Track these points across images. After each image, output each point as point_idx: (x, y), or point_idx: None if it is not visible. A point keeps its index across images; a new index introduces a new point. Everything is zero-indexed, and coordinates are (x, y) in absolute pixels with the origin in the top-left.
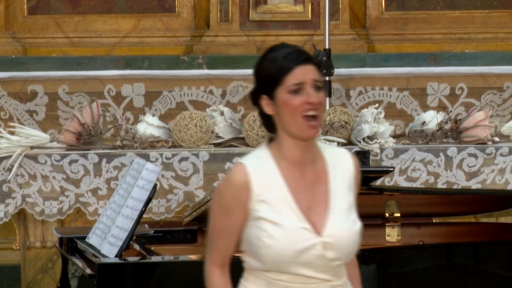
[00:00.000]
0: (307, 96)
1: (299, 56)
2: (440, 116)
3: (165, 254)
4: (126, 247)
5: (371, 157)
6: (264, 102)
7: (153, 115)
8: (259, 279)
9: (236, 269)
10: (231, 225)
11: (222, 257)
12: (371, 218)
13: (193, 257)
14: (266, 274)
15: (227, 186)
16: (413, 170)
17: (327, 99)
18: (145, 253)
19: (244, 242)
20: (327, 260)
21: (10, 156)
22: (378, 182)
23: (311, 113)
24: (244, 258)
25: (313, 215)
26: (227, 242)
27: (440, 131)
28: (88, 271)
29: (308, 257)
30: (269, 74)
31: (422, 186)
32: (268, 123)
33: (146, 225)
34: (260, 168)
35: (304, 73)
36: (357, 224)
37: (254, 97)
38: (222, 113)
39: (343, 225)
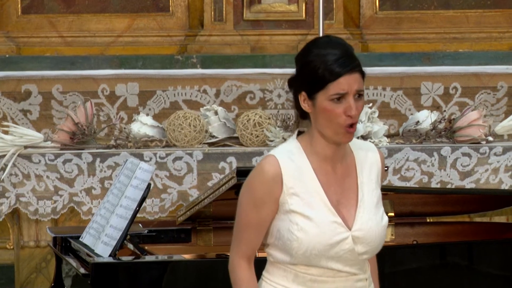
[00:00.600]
0: (348, 108)
1: (348, 64)
2: (434, 116)
3: (159, 254)
4: (120, 246)
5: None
6: (302, 98)
7: (147, 115)
8: (285, 273)
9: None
10: (262, 218)
11: (251, 250)
12: None
13: (187, 256)
14: (293, 267)
15: (259, 178)
16: (407, 169)
17: None
18: (139, 253)
19: (271, 235)
20: (356, 254)
21: (4, 155)
22: None
23: (348, 122)
24: (270, 252)
25: (343, 209)
26: (256, 235)
27: (434, 131)
28: (82, 270)
29: (339, 251)
30: (315, 75)
31: (416, 186)
32: (303, 112)
33: (140, 225)
34: (291, 161)
35: (349, 84)
36: (385, 219)
37: (292, 85)
38: (216, 113)
39: (372, 220)
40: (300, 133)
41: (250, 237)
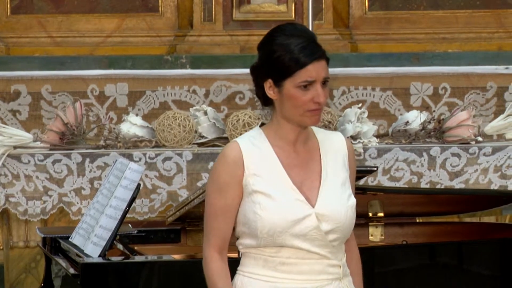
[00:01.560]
0: (315, 95)
1: (315, 52)
2: (424, 116)
3: (149, 254)
4: (109, 246)
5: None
6: (268, 85)
7: (137, 115)
8: (255, 260)
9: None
10: (229, 204)
11: (221, 240)
12: None
13: (176, 256)
14: (262, 251)
15: (221, 163)
16: (397, 169)
17: None
18: (128, 253)
19: (238, 224)
20: (322, 233)
21: None
22: (361, 182)
23: (315, 107)
24: (240, 241)
25: (306, 189)
26: (225, 223)
27: (423, 131)
28: (72, 270)
29: (303, 228)
30: (281, 63)
31: (406, 186)
32: (266, 99)
33: (130, 225)
34: (253, 146)
35: (317, 71)
36: (352, 200)
37: (256, 73)
38: (205, 113)
39: (336, 198)
40: (263, 125)
41: (219, 226)
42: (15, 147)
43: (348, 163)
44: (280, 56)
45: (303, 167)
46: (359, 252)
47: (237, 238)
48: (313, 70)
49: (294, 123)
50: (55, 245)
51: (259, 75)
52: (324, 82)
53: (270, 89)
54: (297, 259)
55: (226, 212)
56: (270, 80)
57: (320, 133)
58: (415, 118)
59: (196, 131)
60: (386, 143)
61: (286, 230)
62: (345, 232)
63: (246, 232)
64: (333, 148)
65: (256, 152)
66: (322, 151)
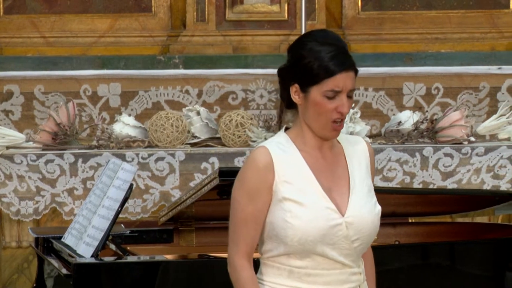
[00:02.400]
0: (340, 105)
1: (345, 62)
2: (416, 116)
3: (141, 254)
4: (102, 247)
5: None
6: (294, 90)
7: (129, 115)
8: (279, 270)
9: None
10: (259, 210)
11: (250, 247)
12: None
13: (169, 257)
14: (288, 262)
15: (251, 168)
16: (389, 170)
17: None
18: (121, 253)
19: (265, 229)
20: (350, 241)
21: None
22: None
23: (338, 119)
24: (263, 248)
25: (336, 196)
26: (255, 229)
27: (416, 131)
28: (64, 271)
29: (333, 238)
30: (310, 69)
31: (398, 186)
32: (290, 103)
33: (122, 225)
34: (282, 151)
35: (345, 82)
36: (378, 207)
37: (284, 75)
38: (198, 113)
39: (365, 207)
40: (287, 129)
41: (249, 233)
42: (7, 147)
43: (370, 168)
44: (310, 63)
45: (331, 172)
46: (373, 255)
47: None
48: (341, 81)
49: (315, 133)
50: (47, 245)
51: (286, 77)
52: (350, 94)
53: (295, 94)
54: (323, 270)
55: (256, 219)
56: (296, 85)
57: (343, 138)
58: (407, 118)
59: (189, 131)
60: (379, 143)
61: (318, 239)
62: (370, 240)
63: (272, 239)
64: (357, 154)
65: (285, 157)
66: (348, 157)
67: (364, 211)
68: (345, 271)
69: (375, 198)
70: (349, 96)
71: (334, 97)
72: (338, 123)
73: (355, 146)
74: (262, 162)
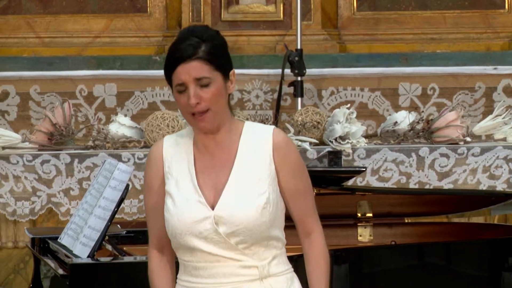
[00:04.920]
0: (188, 97)
1: (182, 53)
2: (412, 116)
3: (137, 255)
4: (98, 247)
5: (343, 157)
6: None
7: (125, 115)
8: (180, 266)
9: None
10: (156, 201)
11: (157, 238)
12: (343, 218)
13: None
14: (180, 256)
15: (147, 161)
16: (385, 170)
17: (299, 99)
18: (117, 253)
19: None
20: (223, 236)
21: None
22: (350, 182)
23: (191, 111)
24: None
25: (210, 190)
26: (157, 220)
27: (412, 131)
28: (60, 271)
29: (202, 231)
30: (164, 69)
31: (394, 186)
32: None
33: (119, 226)
34: (176, 144)
35: (186, 73)
36: (261, 199)
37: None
38: None
39: (239, 200)
40: None
41: (154, 224)
42: (3, 148)
43: (275, 158)
44: (164, 65)
45: (214, 167)
46: (324, 248)
47: None
48: (182, 73)
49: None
50: (44, 245)
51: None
52: (202, 83)
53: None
54: (206, 263)
55: (156, 210)
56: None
57: (250, 129)
58: (403, 119)
59: None
60: (375, 144)
61: (185, 232)
62: (254, 234)
63: None
64: (254, 145)
65: (176, 150)
66: (240, 150)
67: (237, 204)
68: (230, 264)
69: (263, 189)
70: (204, 85)
71: (183, 92)
72: (198, 116)
73: (257, 136)
74: (153, 154)
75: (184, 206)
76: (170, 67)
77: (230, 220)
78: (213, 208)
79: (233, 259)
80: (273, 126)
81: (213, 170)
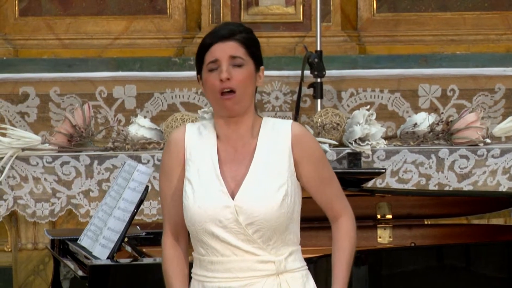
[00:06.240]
0: (220, 72)
1: (220, 34)
2: (432, 118)
3: (157, 256)
4: (117, 249)
5: (363, 159)
6: (200, 82)
7: (145, 117)
8: (195, 260)
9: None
10: (174, 186)
11: (173, 225)
12: (362, 220)
13: None
14: (197, 250)
15: (166, 146)
16: (405, 171)
17: (319, 101)
18: (136, 255)
19: None
20: (242, 227)
21: (2, 158)
22: (369, 184)
23: (225, 89)
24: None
25: (232, 183)
26: (173, 207)
27: (431, 133)
28: (80, 272)
29: (222, 219)
30: (197, 53)
31: (414, 188)
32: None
33: (138, 227)
34: (198, 133)
35: (222, 50)
36: (281, 192)
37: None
38: (213, 115)
39: (258, 191)
40: None
41: (169, 210)
42: (23, 149)
43: (294, 151)
44: (197, 50)
45: (235, 162)
46: (350, 230)
47: None
48: (217, 50)
49: (219, 113)
50: (63, 247)
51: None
52: (237, 65)
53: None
54: (223, 257)
55: (174, 196)
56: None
57: (268, 124)
58: (423, 120)
59: None
60: (394, 145)
61: (205, 219)
62: (272, 225)
63: None
64: (275, 138)
65: (198, 139)
66: (260, 144)
67: (257, 196)
68: (247, 258)
69: (280, 183)
70: (236, 65)
71: (216, 69)
72: (226, 94)
73: (276, 130)
74: (174, 138)
75: (205, 194)
76: (205, 46)
77: (250, 210)
78: (233, 198)
79: (250, 253)
80: (291, 120)
81: (234, 163)
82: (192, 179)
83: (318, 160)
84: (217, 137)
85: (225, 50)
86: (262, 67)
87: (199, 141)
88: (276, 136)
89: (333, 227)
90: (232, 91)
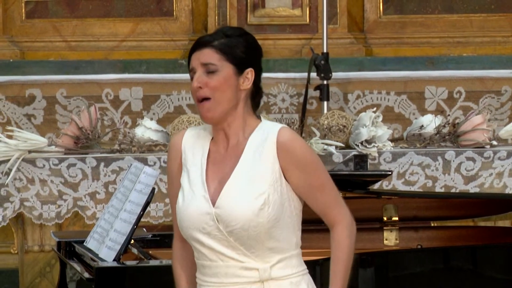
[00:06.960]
0: (194, 80)
1: (199, 42)
2: (438, 120)
3: (163, 258)
4: (124, 251)
5: (369, 161)
6: None
7: (151, 119)
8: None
9: None
10: (176, 192)
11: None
12: (369, 222)
13: None
14: (195, 255)
15: (168, 151)
16: (411, 173)
17: (325, 103)
18: (143, 257)
19: None
20: (224, 234)
21: (8, 160)
22: (376, 186)
23: (196, 96)
24: None
25: (216, 186)
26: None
27: (438, 135)
28: (86, 275)
29: (206, 227)
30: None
31: (420, 190)
32: None
33: (144, 229)
34: (197, 137)
35: (196, 59)
36: (258, 201)
37: None
38: None
39: (237, 199)
40: None
41: (175, 214)
42: (30, 151)
43: (279, 158)
44: None
45: (223, 164)
46: (344, 240)
47: None
48: (194, 59)
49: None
50: (69, 249)
51: None
52: (208, 71)
53: None
54: (210, 262)
55: (175, 199)
56: None
57: (261, 127)
58: (429, 122)
59: None
60: (401, 147)
61: (190, 225)
62: (250, 234)
63: None
64: (260, 144)
65: (195, 143)
66: (247, 148)
67: (235, 204)
68: (232, 264)
69: (262, 190)
70: (210, 72)
71: (192, 78)
72: (203, 101)
73: (265, 135)
74: (172, 143)
75: (191, 200)
76: (189, 56)
77: (228, 219)
78: (213, 204)
79: (235, 259)
80: (280, 125)
81: (221, 165)
82: (183, 184)
83: (305, 166)
84: (213, 138)
85: (199, 58)
86: (249, 69)
87: (194, 144)
88: (263, 141)
89: (330, 235)
90: (207, 98)
